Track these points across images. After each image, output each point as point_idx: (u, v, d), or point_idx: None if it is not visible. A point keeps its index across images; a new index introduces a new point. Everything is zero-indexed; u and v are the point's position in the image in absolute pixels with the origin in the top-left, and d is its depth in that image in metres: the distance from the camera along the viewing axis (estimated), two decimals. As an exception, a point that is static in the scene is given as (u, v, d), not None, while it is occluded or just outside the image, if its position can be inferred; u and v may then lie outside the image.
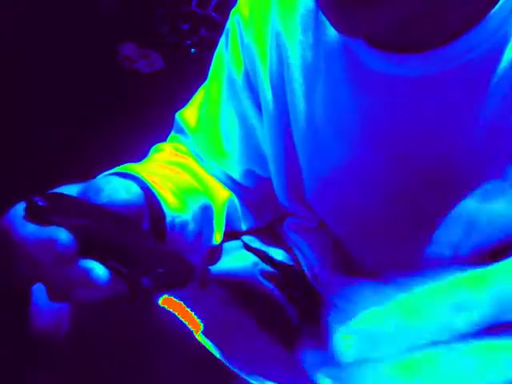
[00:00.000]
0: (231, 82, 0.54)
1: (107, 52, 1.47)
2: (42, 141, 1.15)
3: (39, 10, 1.35)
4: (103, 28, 1.46)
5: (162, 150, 0.58)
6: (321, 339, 0.57)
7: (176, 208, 0.44)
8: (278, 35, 0.50)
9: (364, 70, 0.46)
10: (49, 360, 0.49)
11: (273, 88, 0.51)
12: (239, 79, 0.54)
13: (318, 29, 0.48)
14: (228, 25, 0.55)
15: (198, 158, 0.57)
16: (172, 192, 0.45)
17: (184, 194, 0.47)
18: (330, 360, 0.44)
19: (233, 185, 0.58)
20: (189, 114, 0.58)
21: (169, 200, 0.44)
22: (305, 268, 0.63)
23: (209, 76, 0.57)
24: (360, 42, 0.45)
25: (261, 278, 0.61)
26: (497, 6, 0.41)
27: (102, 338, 0.49)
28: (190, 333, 0.53)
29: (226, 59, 0.55)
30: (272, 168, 0.55)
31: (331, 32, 0.47)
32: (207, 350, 0.54)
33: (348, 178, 0.51)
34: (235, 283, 0.59)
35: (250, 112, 0.54)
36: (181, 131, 0.58)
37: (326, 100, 0.49)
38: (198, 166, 0.57)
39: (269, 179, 0.57)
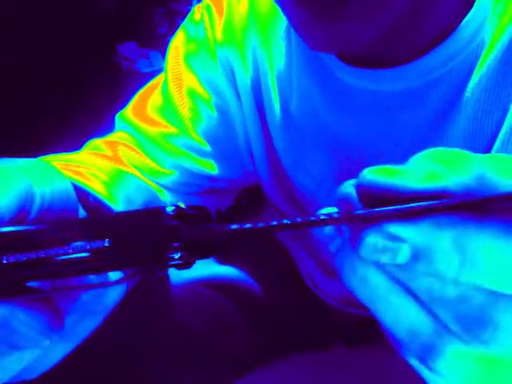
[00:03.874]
0: (208, 82, 0.51)
1: (107, 52, 1.48)
2: (43, 142, 1.15)
3: (39, 9, 1.35)
4: (103, 28, 1.46)
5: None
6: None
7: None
8: (255, 48, 0.49)
9: (339, 85, 0.45)
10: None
11: (253, 94, 0.50)
12: (222, 81, 0.51)
13: (291, 41, 0.47)
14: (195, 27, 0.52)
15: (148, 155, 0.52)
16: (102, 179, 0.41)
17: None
18: None
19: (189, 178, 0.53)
20: (138, 108, 0.53)
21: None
22: (302, 272, 0.64)
23: (171, 76, 0.52)
24: (333, 57, 0.44)
25: (253, 281, 0.61)
26: (469, 15, 0.40)
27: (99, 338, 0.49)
28: (190, 333, 0.54)
29: (197, 61, 0.51)
30: (259, 168, 0.54)
31: (305, 46, 0.46)
32: (207, 350, 0.54)
33: (326, 189, 0.50)
34: (226, 285, 0.59)
35: (233, 109, 0.52)
36: (130, 128, 0.54)
37: (301, 112, 0.48)
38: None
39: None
